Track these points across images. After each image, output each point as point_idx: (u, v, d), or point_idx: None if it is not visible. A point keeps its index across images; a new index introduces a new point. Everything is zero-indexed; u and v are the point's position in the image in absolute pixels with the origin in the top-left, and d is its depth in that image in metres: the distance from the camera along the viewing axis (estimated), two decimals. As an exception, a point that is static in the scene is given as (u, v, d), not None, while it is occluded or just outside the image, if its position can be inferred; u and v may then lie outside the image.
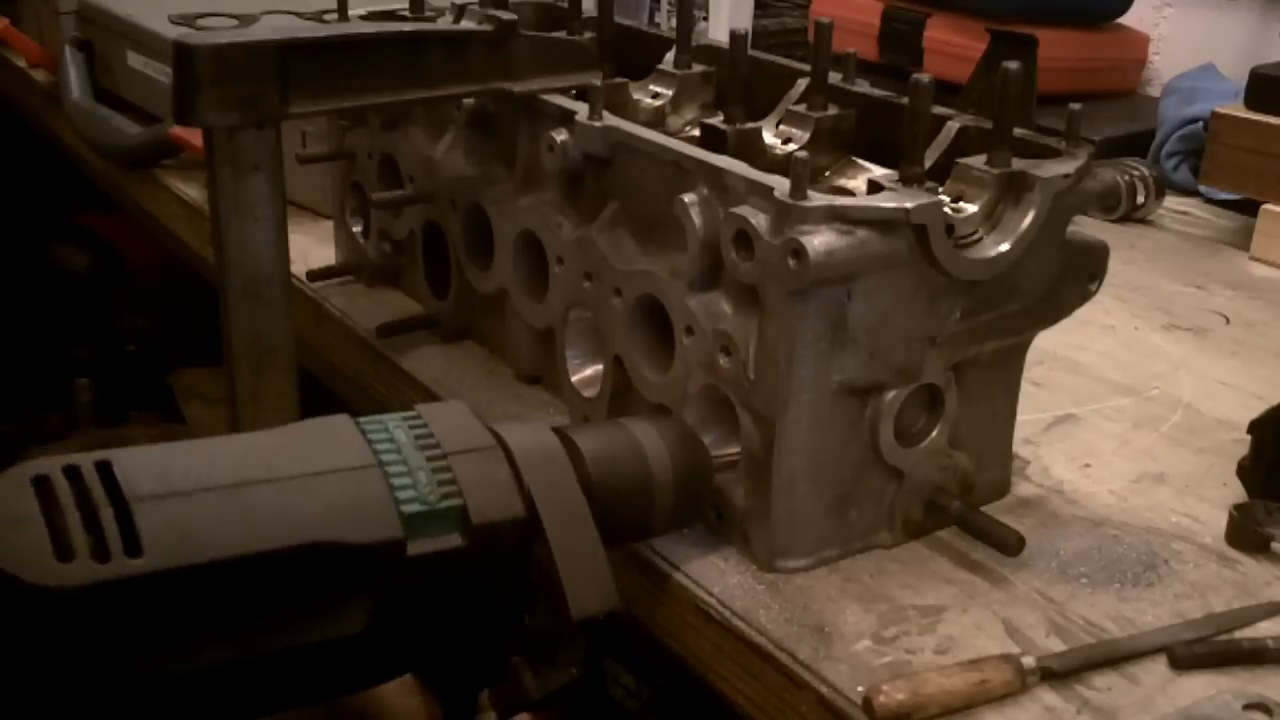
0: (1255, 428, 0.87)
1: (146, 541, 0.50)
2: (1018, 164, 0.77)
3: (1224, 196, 1.45)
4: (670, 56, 1.02)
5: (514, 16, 0.90)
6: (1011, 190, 0.77)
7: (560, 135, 0.86)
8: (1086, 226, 0.83)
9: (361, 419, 0.60)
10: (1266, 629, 0.74)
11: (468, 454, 0.59)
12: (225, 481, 0.53)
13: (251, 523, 0.52)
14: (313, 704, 0.64)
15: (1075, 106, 0.80)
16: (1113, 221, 1.41)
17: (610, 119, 0.85)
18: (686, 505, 0.74)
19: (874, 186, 0.76)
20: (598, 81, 0.90)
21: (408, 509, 0.56)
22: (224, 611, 0.52)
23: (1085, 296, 0.83)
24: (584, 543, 0.61)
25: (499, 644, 0.61)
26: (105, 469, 0.51)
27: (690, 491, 0.73)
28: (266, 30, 0.81)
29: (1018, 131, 0.79)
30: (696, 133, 0.95)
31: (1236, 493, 0.87)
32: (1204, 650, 0.71)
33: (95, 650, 0.49)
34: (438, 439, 0.59)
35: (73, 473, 0.51)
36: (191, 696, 0.53)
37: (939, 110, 0.84)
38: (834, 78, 0.92)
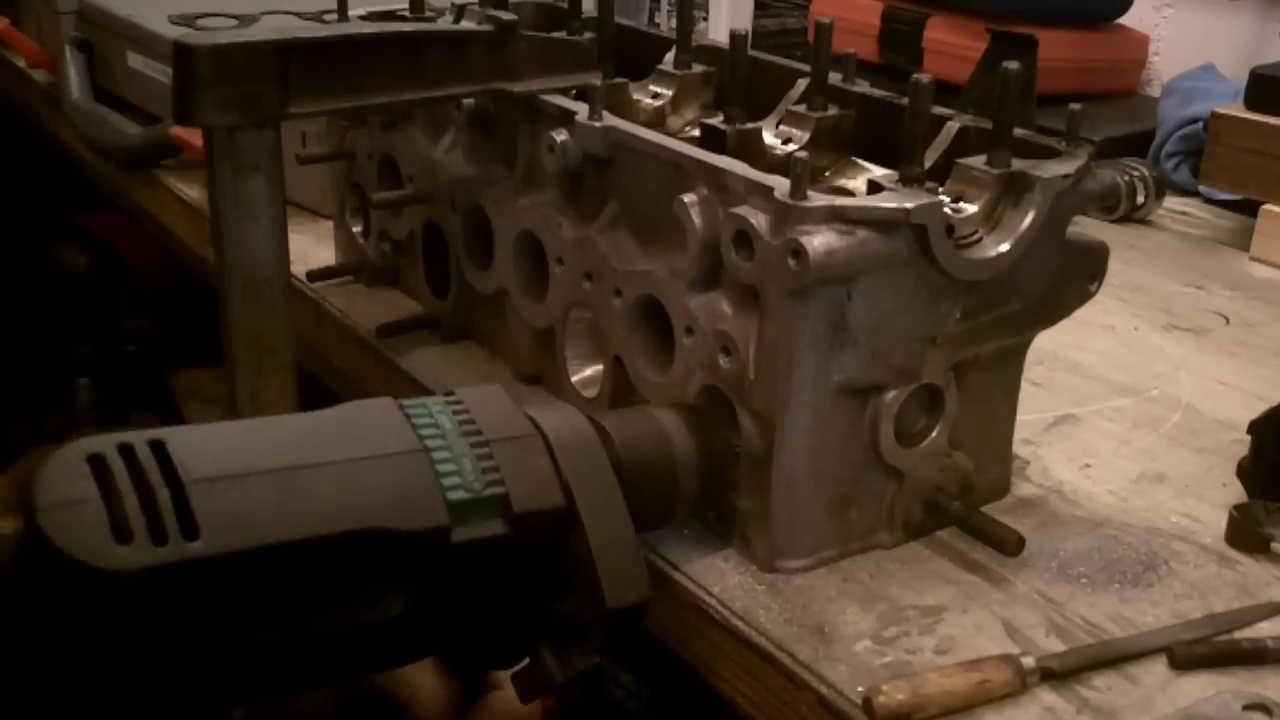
0: (1255, 428, 0.87)
1: (203, 524, 0.50)
2: (1018, 164, 0.77)
3: (1224, 197, 1.45)
4: (670, 56, 1.02)
5: (514, 16, 0.90)
6: (1011, 190, 0.77)
7: (560, 135, 0.86)
8: (1086, 226, 0.83)
9: (404, 401, 0.60)
10: (1266, 629, 0.74)
11: (509, 441, 0.60)
12: (276, 465, 0.54)
13: (304, 508, 0.53)
14: (343, 680, 0.65)
15: (1075, 106, 0.80)
16: (1113, 221, 1.41)
17: (610, 119, 0.85)
18: (709, 492, 0.74)
19: (874, 187, 0.76)
20: (598, 81, 0.89)
21: (453, 496, 0.57)
22: (273, 595, 0.53)
23: (1085, 296, 0.83)
24: (619, 533, 0.62)
25: (526, 630, 0.62)
26: (159, 449, 0.52)
27: (712, 478, 0.74)
28: (266, 30, 0.81)
29: (1018, 131, 0.79)
30: (696, 133, 0.95)
31: (1236, 493, 0.87)
32: (1204, 650, 0.71)
33: (150, 633, 0.50)
34: (479, 425, 0.60)
35: (127, 452, 0.51)
36: (235, 677, 0.54)
37: (939, 110, 0.84)
38: (834, 78, 0.92)
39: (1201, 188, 1.47)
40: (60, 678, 0.50)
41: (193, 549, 0.49)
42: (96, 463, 0.50)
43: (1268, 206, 1.32)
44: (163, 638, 0.50)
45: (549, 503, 0.60)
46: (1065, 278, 0.81)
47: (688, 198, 0.77)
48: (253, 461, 0.54)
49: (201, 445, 0.53)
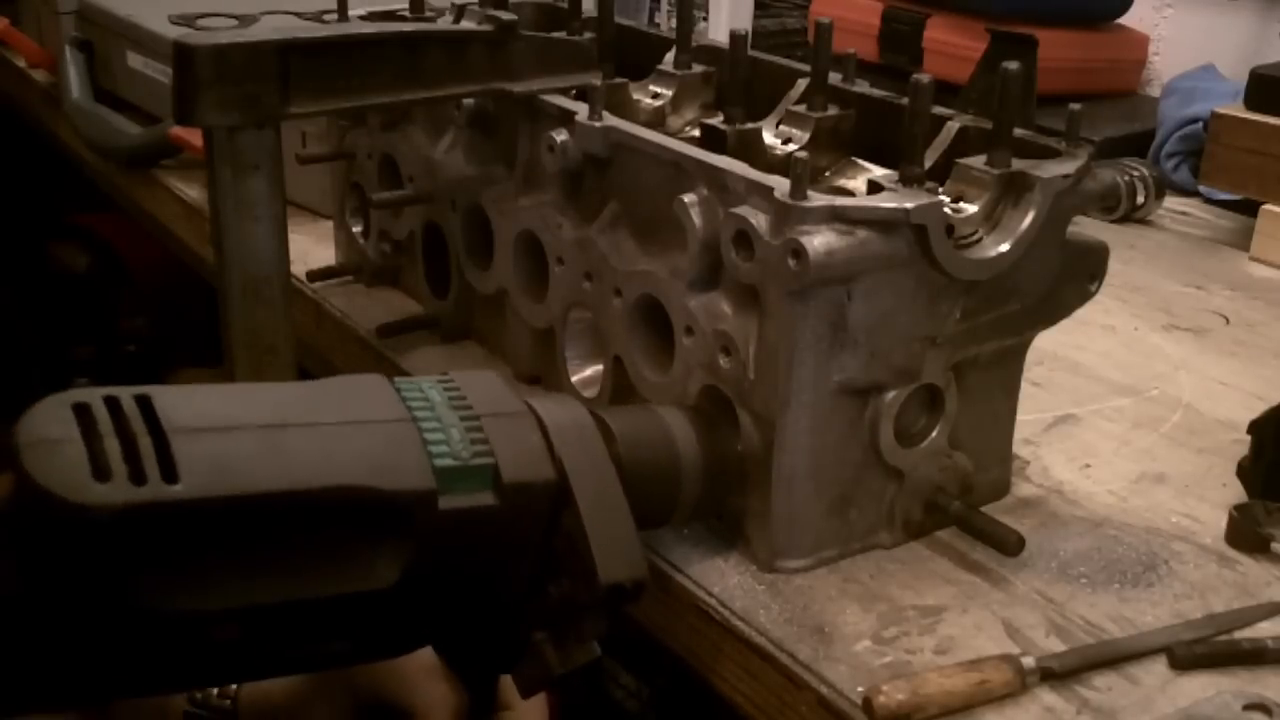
0: (1255, 428, 0.87)
1: (183, 470, 0.50)
2: (1018, 164, 0.77)
3: (1224, 197, 1.45)
4: (670, 56, 1.02)
5: (514, 16, 0.90)
6: (1011, 190, 0.77)
7: (560, 135, 0.86)
8: (1086, 226, 0.83)
9: (396, 379, 0.60)
10: (1266, 629, 0.74)
11: (500, 416, 0.60)
12: (262, 422, 0.54)
13: (287, 462, 0.53)
14: (337, 666, 0.64)
15: (1075, 106, 0.80)
16: (1113, 221, 1.41)
17: (610, 119, 0.85)
18: (711, 495, 0.74)
19: (874, 187, 0.76)
20: (598, 81, 0.89)
21: (440, 462, 0.56)
22: (255, 551, 0.52)
23: (1085, 296, 0.83)
24: (613, 510, 0.61)
25: (521, 617, 0.62)
26: (144, 402, 0.52)
27: (716, 482, 0.74)
28: (266, 30, 0.81)
29: (1018, 131, 0.79)
30: (696, 133, 0.95)
31: (1236, 493, 0.87)
32: (1204, 650, 0.71)
33: (126, 579, 0.49)
34: (470, 401, 0.60)
35: (112, 403, 0.51)
36: (220, 641, 0.53)
37: (939, 110, 0.84)
38: (834, 78, 0.92)
39: (1201, 188, 1.47)
40: (34, 619, 0.49)
41: (171, 491, 0.49)
42: (80, 409, 0.50)
43: (1268, 206, 1.32)
44: (140, 588, 0.50)
45: (539, 475, 0.59)
46: (1065, 278, 0.81)
47: (688, 198, 0.77)
48: (238, 417, 0.53)
49: (187, 402, 0.53)
